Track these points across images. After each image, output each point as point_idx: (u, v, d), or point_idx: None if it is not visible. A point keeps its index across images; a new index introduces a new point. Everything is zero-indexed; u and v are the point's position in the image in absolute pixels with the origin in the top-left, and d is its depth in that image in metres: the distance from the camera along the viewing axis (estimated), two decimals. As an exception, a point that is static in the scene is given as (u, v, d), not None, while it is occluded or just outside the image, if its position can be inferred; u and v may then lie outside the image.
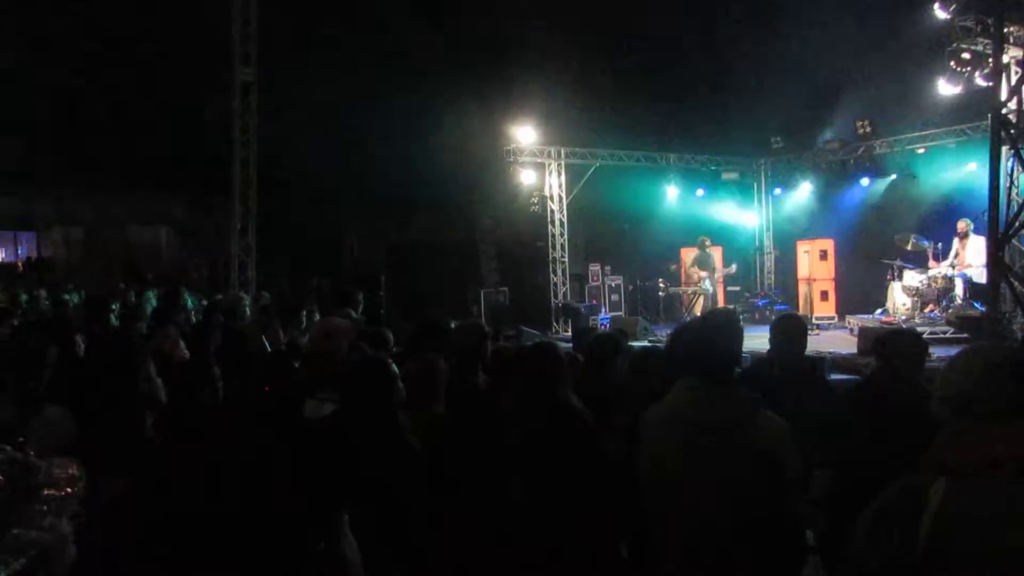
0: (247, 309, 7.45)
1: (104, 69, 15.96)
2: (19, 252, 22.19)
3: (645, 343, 9.82)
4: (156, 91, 16.13)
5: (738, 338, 2.56)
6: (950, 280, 11.41)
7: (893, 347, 3.64)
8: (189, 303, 9.70)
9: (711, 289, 14.43)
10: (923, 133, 13.67)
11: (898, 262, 12.39)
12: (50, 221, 21.55)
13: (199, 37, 14.13)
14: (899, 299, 12.35)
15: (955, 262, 11.49)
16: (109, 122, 16.76)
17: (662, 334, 11.85)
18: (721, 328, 2.51)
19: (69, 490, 1.18)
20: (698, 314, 13.53)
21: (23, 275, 17.85)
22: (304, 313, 6.56)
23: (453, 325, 5.49)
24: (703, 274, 14.50)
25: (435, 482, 2.82)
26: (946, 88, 10.75)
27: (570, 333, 14.04)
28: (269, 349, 5.56)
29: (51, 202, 21.26)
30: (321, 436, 2.92)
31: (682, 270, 16.32)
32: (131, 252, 21.20)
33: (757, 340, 5.64)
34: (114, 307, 7.73)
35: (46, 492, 1.16)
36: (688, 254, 16.72)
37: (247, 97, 13.00)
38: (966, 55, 10.26)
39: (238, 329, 5.52)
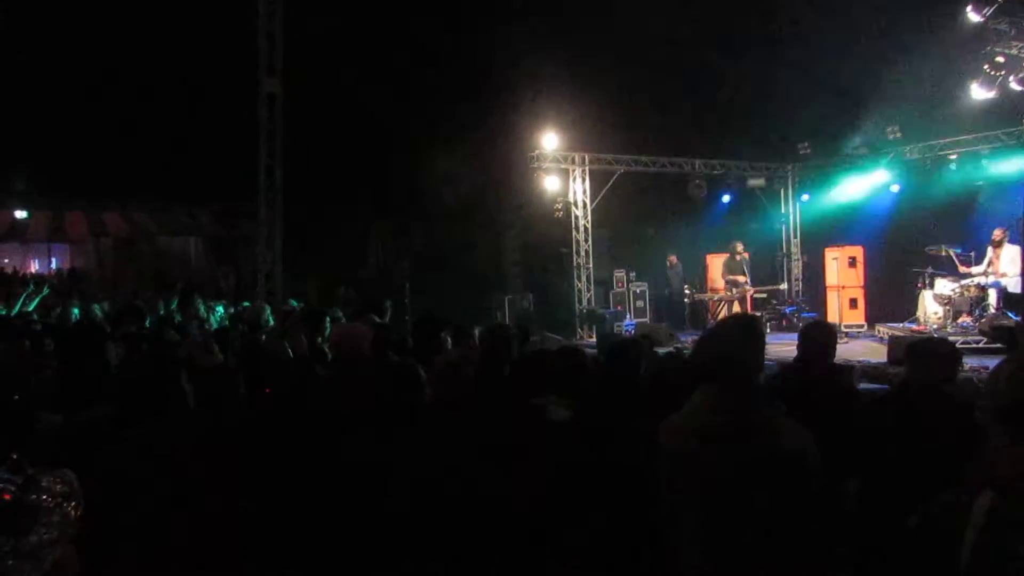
0: (271, 318, 7.51)
1: (134, 83, 16.26)
2: (52, 263, 22.66)
3: (670, 350, 9.73)
4: (184, 104, 16.39)
5: (760, 344, 2.46)
6: (983, 289, 11.17)
7: (925, 356, 3.54)
8: (204, 311, 9.78)
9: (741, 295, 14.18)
10: (955, 139, 13.42)
11: (929, 270, 12.16)
12: (82, 233, 21.98)
13: (225, 49, 14.33)
14: (930, 308, 12.11)
15: (989, 271, 11.24)
16: (139, 136, 17.06)
17: (687, 341, 11.74)
18: (742, 334, 2.43)
19: (66, 505, 1.19)
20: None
21: (56, 286, 18.19)
22: (328, 319, 6.57)
23: (477, 331, 5.49)
24: (738, 279, 14.26)
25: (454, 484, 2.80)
26: (979, 92, 10.55)
27: (594, 339, 13.97)
28: (292, 355, 5.58)
29: (83, 214, 21.71)
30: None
31: (708, 275, 16.17)
32: (161, 262, 21.54)
33: (785, 348, 5.56)
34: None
35: (46, 504, 1.17)
36: (715, 261, 16.57)
37: (272, 108, 13.15)
38: (1000, 59, 10.07)
39: (259, 336, 5.55)
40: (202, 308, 9.64)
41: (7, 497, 1.17)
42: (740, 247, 14.59)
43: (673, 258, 16.58)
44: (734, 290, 14.30)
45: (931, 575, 1.48)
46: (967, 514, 1.45)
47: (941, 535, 1.47)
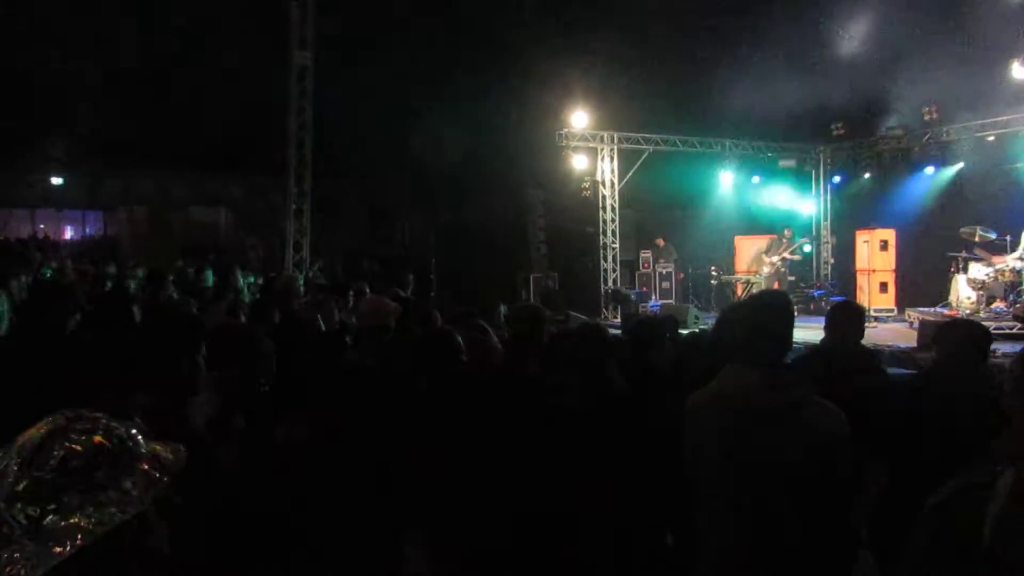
0: (302, 288, 7.59)
1: (167, 54, 16.40)
2: (87, 230, 23.10)
3: (695, 330, 9.69)
4: (217, 75, 16.50)
5: (788, 320, 2.41)
6: (1018, 273, 10.97)
7: (955, 337, 3.50)
8: (243, 282, 9.92)
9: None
10: (994, 119, 13.10)
11: (963, 254, 11.93)
12: (116, 201, 22.34)
13: (258, 21, 14.38)
14: (963, 292, 11.91)
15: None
16: (172, 106, 17.23)
17: (712, 322, 11.67)
18: (771, 311, 2.38)
19: (159, 474, 1.11)
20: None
21: (91, 252, 18.53)
22: (352, 292, 6.62)
23: (504, 309, 5.51)
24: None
25: (482, 461, 2.83)
26: (1020, 71, 10.30)
27: (619, 319, 13.95)
28: (324, 328, 5.65)
29: (117, 183, 22.04)
30: None
31: (737, 256, 16.02)
32: (192, 231, 21.82)
33: (813, 331, 5.52)
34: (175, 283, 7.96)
35: (142, 466, 1.09)
36: (743, 243, 16.39)
37: (303, 81, 13.21)
38: (1043, 37, 9.80)
39: (293, 307, 5.62)
40: (241, 280, 9.77)
41: (97, 441, 1.07)
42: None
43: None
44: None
45: (952, 559, 1.48)
46: (990, 493, 1.44)
47: (962, 515, 1.47)
